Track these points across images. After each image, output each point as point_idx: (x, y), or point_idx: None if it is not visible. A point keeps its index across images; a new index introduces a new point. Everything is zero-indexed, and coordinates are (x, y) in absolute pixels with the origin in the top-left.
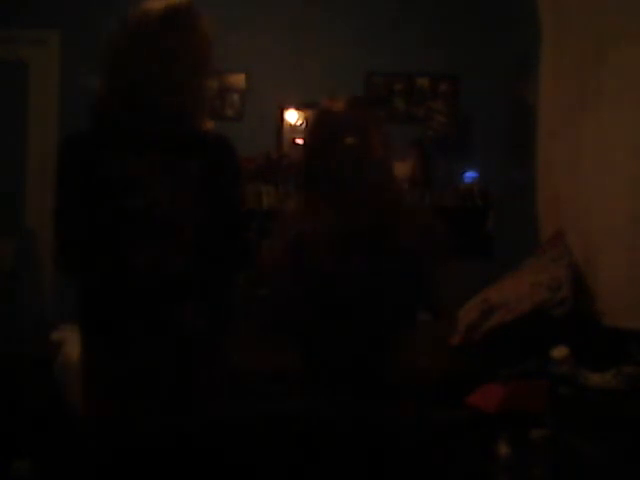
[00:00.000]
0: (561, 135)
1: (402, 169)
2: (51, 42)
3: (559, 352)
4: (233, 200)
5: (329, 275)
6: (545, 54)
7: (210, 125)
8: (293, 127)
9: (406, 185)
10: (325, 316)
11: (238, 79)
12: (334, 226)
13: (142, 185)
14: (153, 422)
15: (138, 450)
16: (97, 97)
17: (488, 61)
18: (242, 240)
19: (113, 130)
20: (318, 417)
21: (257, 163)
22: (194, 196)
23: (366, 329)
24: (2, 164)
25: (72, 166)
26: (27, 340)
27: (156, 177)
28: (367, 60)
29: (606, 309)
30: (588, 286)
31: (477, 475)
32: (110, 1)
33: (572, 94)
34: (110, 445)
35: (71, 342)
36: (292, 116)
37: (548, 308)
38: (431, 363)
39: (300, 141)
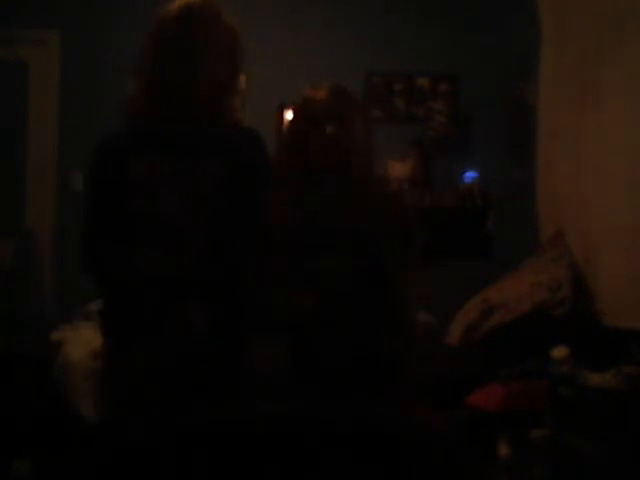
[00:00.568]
0: (561, 135)
1: (402, 169)
2: (51, 42)
3: (559, 352)
4: (258, 200)
5: (300, 268)
6: (545, 54)
7: (241, 118)
8: None
9: (406, 185)
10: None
11: None
12: (309, 216)
13: (170, 188)
14: (165, 422)
15: (147, 450)
16: (127, 98)
17: (488, 61)
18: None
19: (144, 132)
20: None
21: None
22: (219, 197)
23: (332, 324)
24: (2, 164)
25: (103, 170)
26: (27, 340)
27: (182, 179)
28: (367, 60)
29: (606, 309)
30: (588, 286)
31: (477, 475)
32: (110, 1)
33: (572, 94)
34: (122, 444)
35: (71, 342)
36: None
37: (548, 308)
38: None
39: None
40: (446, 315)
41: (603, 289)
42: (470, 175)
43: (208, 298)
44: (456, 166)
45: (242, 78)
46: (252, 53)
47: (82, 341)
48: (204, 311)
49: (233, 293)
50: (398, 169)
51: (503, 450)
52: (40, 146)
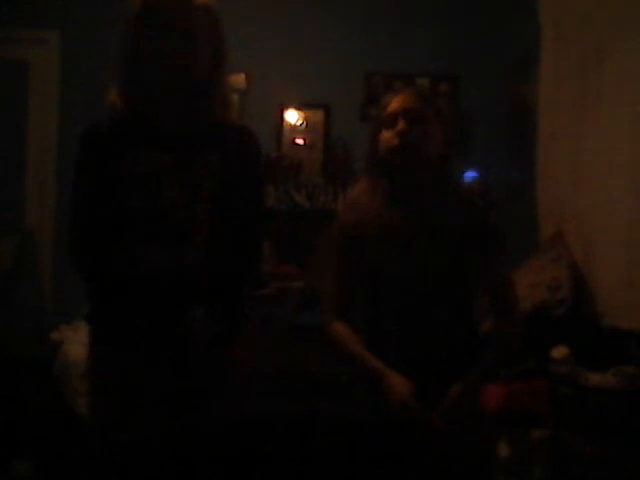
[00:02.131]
0: (561, 135)
1: None
2: (51, 42)
3: (559, 352)
4: (255, 197)
5: (379, 263)
6: (545, 54)
7: (233, 115)
8: (293, 127)
9: None
10: (377, 301)
11: (238, 79)
12: (388, 215)
13: (160, 182)
14: (158, 423)
15: (141, 451)
16: (114, 89)
17: (488, 61)
18: (257, 237)
19: (131, 124)
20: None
21: None
22: (213, 193)
23: (417, 318)
24: (2, 164)
25: (89, 160)
26: (27, 340)
27: (174, 173)
28: (367, 60)
29: (606, 309)
30: (588, 286)
31: (477, 475)
32: (110, 1)
33: (572, 94)
34: (114, 445)
35: (71, 342)
36: (292, 116)
37: (548, 308)
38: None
39: (300, 141)
40: None
41: (603, 289)
42: (470, 175)
43: (209, 295)
44: (456, 166)
45: (242, 77)
46: (252, 52)
47: (82, 341)
48: (205, 308)
49: (235, 289)
50: None
51: (503, 450)
52: (40, 146)
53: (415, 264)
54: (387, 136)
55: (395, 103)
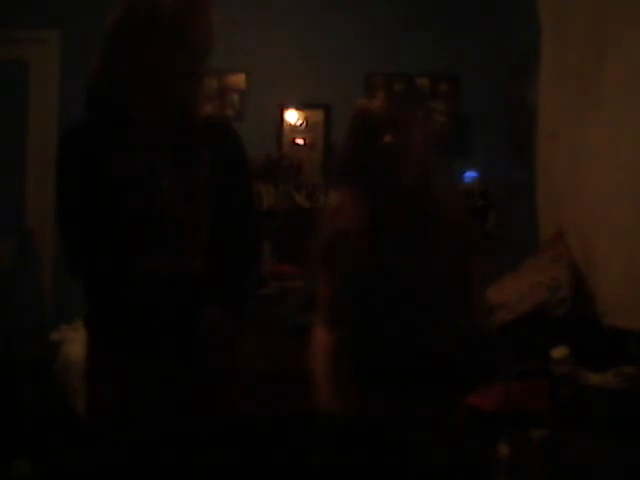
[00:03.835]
0: (561, 135)
1: None
2: (51, 42)
3: (559, 352)
4: (249, 193)
5: (366, 271)
6: (545, 54)
7: (207, 110)
8: (293, 127)
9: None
10: (367, 312)
11: (238, 79)
12: (370, 223)
13: (150, 181)
14: (162, 424)
15: (145, 451)
16: (95, 86)
17: (488, 61)
18: (255, 235)
19: (115, 122)
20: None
21: (257, 163)
22: (205, 189)
23: (403, 325)
24: (2, 164)
25: (74, 162)
26: (27, 340)
27: (164, 171)
28: (367, 60)
29: (606, 309)
30: (588, 286)
31: (477, 475)
32: (110, 1)
33: (572, 94)
34: (115, 446)
35: (71, 342)
36: (292, 116)
37: (548, 308)
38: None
39: (300, 141)
40: None
41: (603, 289)
42: (470, 175)
43: (210, 295)
44: (456, 166)
45: (242, 77)
46: (252, 52)
47: (82, 341)
48: (215, 309)
49: (235, 288)
50: None
51: (503, 450)
52: (40, 146)
53: (409, 269)
54: (373, 148)
55: (376, 111)
